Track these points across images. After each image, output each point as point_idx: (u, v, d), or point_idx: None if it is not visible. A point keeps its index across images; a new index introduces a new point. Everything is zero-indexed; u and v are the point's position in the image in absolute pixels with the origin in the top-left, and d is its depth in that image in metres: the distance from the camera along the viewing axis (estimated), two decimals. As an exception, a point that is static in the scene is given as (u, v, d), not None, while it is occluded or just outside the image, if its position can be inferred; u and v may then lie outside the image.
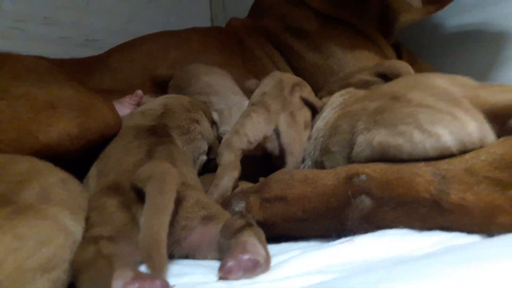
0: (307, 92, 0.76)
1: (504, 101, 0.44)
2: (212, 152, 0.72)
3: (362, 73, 0.76)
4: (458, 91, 0.46)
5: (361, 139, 0.46)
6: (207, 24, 1.67)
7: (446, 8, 1.04)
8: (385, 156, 0.44)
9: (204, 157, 0.69)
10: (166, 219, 0.36)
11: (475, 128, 0.43)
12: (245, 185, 0.61)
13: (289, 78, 0.76)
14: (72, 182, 0.42)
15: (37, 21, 1.16)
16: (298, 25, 1.04)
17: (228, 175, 0.59)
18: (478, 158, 0.42)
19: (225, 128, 0.75)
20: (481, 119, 0.44)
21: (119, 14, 1.34)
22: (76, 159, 0.53)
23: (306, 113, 0.71)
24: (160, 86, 0.94)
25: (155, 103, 0.67)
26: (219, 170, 0.61)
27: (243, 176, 0.64)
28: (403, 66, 0.71)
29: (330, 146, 0.52)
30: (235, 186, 0.59)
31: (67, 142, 0.50)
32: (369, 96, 0.53)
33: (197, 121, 0.67)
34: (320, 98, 0.79)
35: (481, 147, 0.43)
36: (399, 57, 1.10)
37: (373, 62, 0.97)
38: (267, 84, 0.75)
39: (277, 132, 0.65)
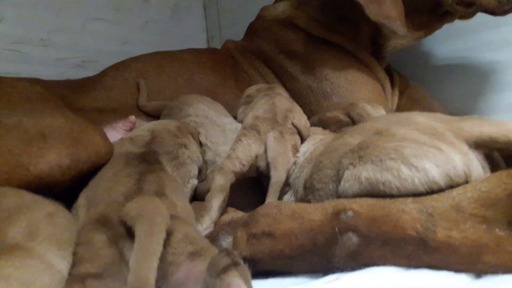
0: (298, 118, 0.76)
1: (489, 133, 0.44)
2: (202, 174, 0.72)
3: (339, 110, 0.79)
4: (440, 125, 0.47)
5: (347, 175, 0.47)
6: (204, 45, 1.69)
7: (437, 33, 1.05)
8: (374, 192, 0.44)
9: (195, 181, 0.70)
10: (155, 262, 0.36)
11: (460, 160, 0.43)
12: (234, 213, 0.62)
13: (282, 103, 0.77)
14: (60, 215, 0.42)
15: (34, 43, 1.16)
16: (292, 47, 1.05)
17: (216, 197, 0.62)
18: (465, 195, 0.42)
19: (218, 149, 0.75)
20: (466, 150, 0.45)
21: (115, 36, 1.35)
22: (67, 188, 0.53)
23: (297, 139, 0.72)
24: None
25: (143, 129, 0.68)
26: (208, 193, 0.63)
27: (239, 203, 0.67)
28: (369, 115, 0.75)
29: (315, 183, 0.53)
30: (222, 209, 0.62)
31: (58, 173, 0.50)
32: (349, 132, 0.53)
33: (185, 146, 0.68)
34: (311, 124, 0.80)
35: (467, 179, 0.43)
36: (391, 80, 1.11)
37: (366, 85, 0.99)
38: (260, 107, 0.76)
39: (265, 148, 0.67)
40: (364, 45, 1.03)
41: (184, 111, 0.85)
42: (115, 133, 0.74)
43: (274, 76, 1.07)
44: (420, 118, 0.49)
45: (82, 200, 0.53)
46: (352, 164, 0.46)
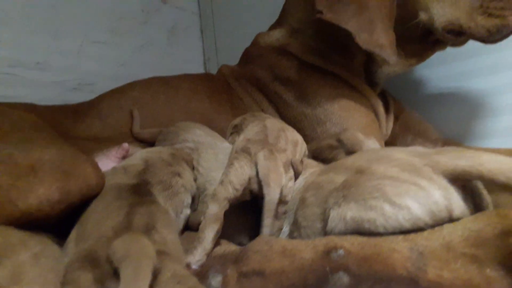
0: (291, 135, 0.76)
1: (462, 167, 0.45)
2: (195, 203, 0.72)
3: (332, 137, 0.81)
4: (418, 160, 0.47)
5: (333, 214, 0.47)
6: (200, 67, 1.70)
7: (432, 57, 1.06)
8: (360, 230, 0.44)
9: (188, 211, 0.69)
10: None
11: (441, 195, 0.44)
12: (227, 246, 0.61)
13: (273, 124, 0.77)
14: (46, 254, 0.42)
15: (30, 66, 1.17)
16: (286, 74, 1.05)
17: (210, 227, 0.60)
18: (455, 234, 0.42)
19: (209, 175, 0.75)
20: (445, 184, 0.45)
21: (112, 59, 1.36)
22: (57, 222, 0.53)
23: (289, 155, 0.72)
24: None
25: (136, 158, 0.68)
26: (202, 223, 0.62)
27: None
28: (357, 143, 0.76)
29: (300, 220, 0.53)
30: (216, 239, 0.61)
31: (47, 208, 0.49)
32: (334, 168, 0.54)
33: (178, 174, 0.67)
34: (309, 153, 0.80)
35: (449, 213, 0.44)
36: (386, 105, 1.11)
37: (359, 112, 0.99)
38: (251, 129, 0.76)
39: (256, 168, 0.66)
40: (358, 72, 1.04)
41: (181, 136, 0.85)
42: (108, 161, 0.73)
43: (268, 102, 1.07)
44: (399, 154, 0.49)
45: (73, 234, 0.53)
46: (337, 203, 0.47)
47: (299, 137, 0.76)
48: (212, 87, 1.12)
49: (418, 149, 0.53)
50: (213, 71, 1.73)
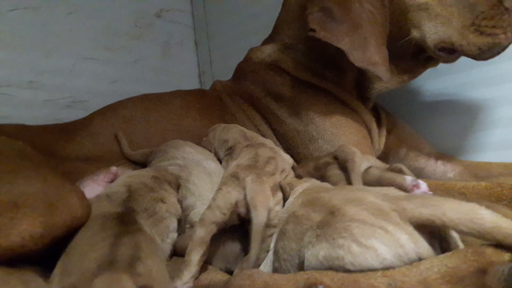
0: (281, 165, 0.76)
1: (427, 215, 0.46)
2: (181, 225, 0.72)
3: (329, 155, 0.81)
4: (387, 205, 0.48)
5: (308, 254, 0.48)
6: (195, 80, 1.71)
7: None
8: (333, 268, 0.45)
9: (175, 235, 0.69)
10: None
11: (407, 240, 0.45)
12: (214, 274, 0.61)
13: (265, 151, 0.77)
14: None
15: (23, 85, 1.18)
16: (278, 90, 1.06)
17: (196, 250, 0.61)
18: (432, 270, 0.42)
19: (201, 192, 0.75)
20: (411, 230, 0.46)
21: (105, 75, 1.37)
22: (41, 256, 0.53)
23: (277, 179, 0.72)
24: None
25: (120, 184, 0.68)
26: (189, 247, 0.63)
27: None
28: (350, 153, 0.76)
29: (281, 252, 0.54)
30: (203, 262, 0.61)
31: (30, 244, 0.49)
32: (312, 203, 0.55)
33: (162, 200, 0.68)
34: (297, 176, 0.80)
35: (417, 256, 0.44)
36: (378, 120, 1.11)
37: (351, 129, 0.99)
38: (244, 157, 0.76)
39: (244, 192, 0.67)
40: (350, 88, 1.04)
41: (170, 153, 0.85)
42: (96, 186, 0.74)
43: (261, 118, 1.07)
44: (371, 197, 0.51)
45: (58, 267, 0.53)
46: (311, 243, 0.48)
47: (287, 166, 0.77)
48: (205, 104, 1.12)
49: (391, 191, 0.54)
50: (208, 84, 1.73)
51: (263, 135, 1.05)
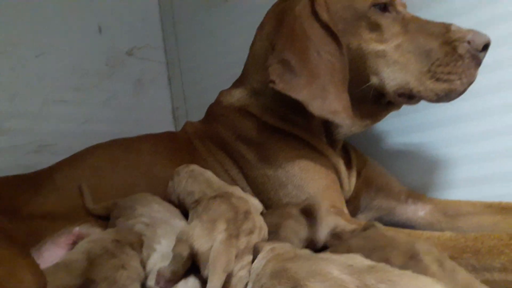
0: (258, 219, 0.76)
1: None
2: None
3: (294, 207, 0.79)
4: (350, 280, 0.48)
5: None
6: (169, 116, 1.70)
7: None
8: None
9: None
10: None
11: None
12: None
13: (240, 204, 0.76)
14: None
15: (-14, 131, 1.15)
16: (248, 135, 1.05)
17: None
18: None
19: (166, 252, 0.73)
20: None
21: (75, 116, 1.35)
22: None
23: (252, 239, 0.71)
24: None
25: (78, 251, 0.66)
26: None
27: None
28: (316, 208, 0.76)
29: None
30: None
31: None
32: (279, 275, 0.54)
33: (122, 266, 0.66)
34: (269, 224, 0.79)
35: None
36: (348, 160, 1.12)
37: (320, 173, 0.99)
38: (221, 205, 0.75)
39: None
40: (318, 131, 1.05)
41: (138, 210, 0.83)
42: (57, 250, 0.72)
43: (232, 163, 1.06)
44: (335, 271, 0.50)
45: None
46: None
47: (263, 223, 0.76)
48: (175, 148, 1.11)
49: (357, 260, 0.54)
50: (182, 119, 1.73)
51: (234, 180, 1.05)
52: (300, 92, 0.89)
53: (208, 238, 0.67)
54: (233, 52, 1.60)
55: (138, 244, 0.72)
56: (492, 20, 1.09)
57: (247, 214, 0.73)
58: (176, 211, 0.85)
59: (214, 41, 1.68)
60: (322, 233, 0.75)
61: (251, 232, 0.71)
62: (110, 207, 0.88)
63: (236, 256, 0.66)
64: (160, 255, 0.73)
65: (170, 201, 0.90)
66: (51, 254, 0.68)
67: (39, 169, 1.04)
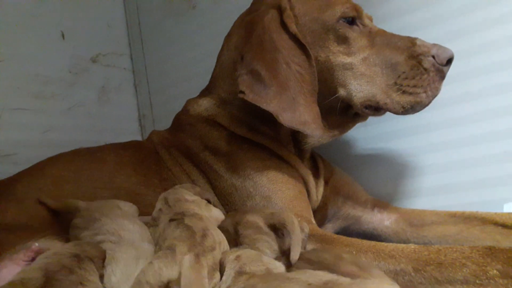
0: (216, 234, 0.74)
1: None
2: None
3: (257, 215, 0.78)
4: None
5: None
6: (135, 124, 1.67)
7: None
8: None
9: None
10: None
11: None
12: None
13: (196, 223, 0.75)
14: None
15: None
16: (215, 145, 1.04)
17: None
18: None
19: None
20: None
21: (36, 125, 1.31)
22: None
23: (216, 255, 0.70)
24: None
25: (36, 268, 0.62)
26: None
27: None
28: (289, 220, 0.74)
29: None
30: None
31: None
32: None
33: (81, 283, 0.63)
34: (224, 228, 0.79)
35: None
36: (316, 169, 1.12)
37: (287, 184, 0.99)
38: (175, 230, 0.74)
39: (179, 271, 0.63)
40: (286, 141, 1.05)
41: (105, 226, 0.79)
42: (14, 267, 0.68)
43: (199, 173, 1.05)
44: None
45: None
46: None
47: (221, 236, 0.75)
48: (140, 158, 1.09)
49: (317, 278, 0.53)
50: (149, 127, 1.71)
51: (201, 191, 1.03)
52: (271, 103, 0.89)
53: (173, 263, 0.65)
54: (200, 60, 1.59)
55: (99, 258, 0.70)
56: (457, 33, 1.12)
57: (204, 231, 0.72)
58: (146, 232, 0.82)
59: (181, 48, 1.66)
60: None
61: (213, 248, 0.70)
62: (71, 208, 0.85)
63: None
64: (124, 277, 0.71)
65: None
66: (8, 271, 0.65)
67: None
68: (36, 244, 0.74)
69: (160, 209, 0.81)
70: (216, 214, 0.88)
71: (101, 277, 0.69)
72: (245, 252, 0.70)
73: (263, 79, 0.90)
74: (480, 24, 1.09)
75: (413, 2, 1.18)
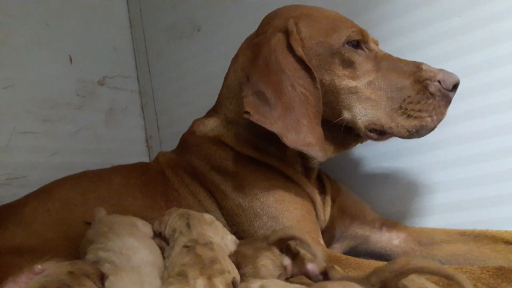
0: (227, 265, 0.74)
1: None
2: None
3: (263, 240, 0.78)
4: None
5: None
6: (142, 145, 1.68)
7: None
8: None
9: None
10: None
11: None
12: None
13: (207, 253, 0.74)
14: None
15: (-47, 168, 1.11)
16: (222, 165, 1.04)
17: None
18: None
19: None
20: None
21: (44, 148, 1.32)
22: None
23: (227, 277, 0.69)
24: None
25: (34, 285, 0.63)
26: None
27: None
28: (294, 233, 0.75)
29: None
30: None
31: None
32: None
33: None
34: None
35: None
36: (323, 188, 1.12)
37: (295, 204, 0.98)
38: (184, 257, 0.73)
39: None
40: (292, 161, 1.05)
41: (110, 242, 0.78)
42: (16, 288, 0.68)
43: (206, 193, 1.05)
44: None
45: None
46: None
47: (231, 266, 0.74)
48: (146, 180, 1.09)
49: None
50: (156, 148, 1.72)
51: (207, 211, 1.03)
52: (275, 123, 0.90)
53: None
54: (206, 81, 1.61)
55: (97, 274, 0.69)
56: (463, 49, 1.12)
57: (212, 260, 0.71)
58: (155, 254, 0.80)
59: (186, 70, 1.68)
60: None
61: (223, 272, 0.69)
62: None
63: None
64: None
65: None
66: (12, 294, 0.64)
67: (6, 203, 1.00)
68: (39, 266, 0.74)
69: (181, 231, 0.80)
70: (228, 243, 0.86)
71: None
72: (269, 282, 0.69)
73: (268, 100, 0.91)
74: (486, 40, 1.09)
75: (416, 20, 1.19)
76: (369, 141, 1.07)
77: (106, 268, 0.73)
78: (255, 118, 0.91)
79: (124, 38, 1.67)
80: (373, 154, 1.28)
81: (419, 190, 1.21)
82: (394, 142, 1.22)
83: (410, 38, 1.19)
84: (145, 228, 0.88)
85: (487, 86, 1.09)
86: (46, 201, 0.98)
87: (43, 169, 1.15)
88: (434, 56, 1.12)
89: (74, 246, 0.88)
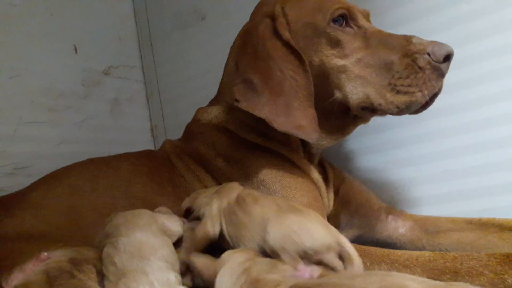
0: None
1: None
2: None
3: None
4: None
5: None
6: (147, 135, 1.68)
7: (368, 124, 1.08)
8: None
9: None
10: None
11: None
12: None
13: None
14: None
15: (-40, 157, 1.11)
16: (227, 152, 1.05)
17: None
18: None
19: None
20: None
21: (50, 138, 1.32)
22: None
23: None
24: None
25: (38, 272, 0.63)
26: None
27: None
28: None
29: None
30: None
31: None
32: None
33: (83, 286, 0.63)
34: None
35: None
36: (325, 175, 1.12)
37: (301, 191, 0.98)
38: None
39: None
40: (296, 147, 1.04)
41: (121, 237, 0.76)
42: (22, 276, 0.68)
43: (212, 179, 1.05)
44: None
45: None
46: None
47: None
48: (153, 166, 1.09)
49: None
50: (161, 138, 1.72)
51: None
52: (263, 109, 0.90)
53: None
54: (210, 70, 1.61)
55: (97, 259, 0.69)
56: (467, 37, 1.11)
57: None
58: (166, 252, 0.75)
59: (191, 59, 1.68)
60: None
61: None
62: None
63: None
64: None
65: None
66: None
67: (14, 192, 1.00)
68: (45, 253, 0.74)
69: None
70: None
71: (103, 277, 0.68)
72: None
73: (255, 86, 0.91)
74: (489, 29, 1.08)
75: (421, 8, 1.18)
76: (371, 130, 1.06)
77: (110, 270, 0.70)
78: (244, 105, 0.91)
79: (128, 28, 1.67)
80: (376, 144, 1.28)
81: (426, 179, 1.20)
82: (400, 130, 1.23)
83: (418, 25, 1.18)
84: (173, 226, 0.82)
85: (487, 75, 1.09)
86: (55, 188, 0.97)
87: (49, 159, 1.15)
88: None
89: (85, 234, 0.89)
